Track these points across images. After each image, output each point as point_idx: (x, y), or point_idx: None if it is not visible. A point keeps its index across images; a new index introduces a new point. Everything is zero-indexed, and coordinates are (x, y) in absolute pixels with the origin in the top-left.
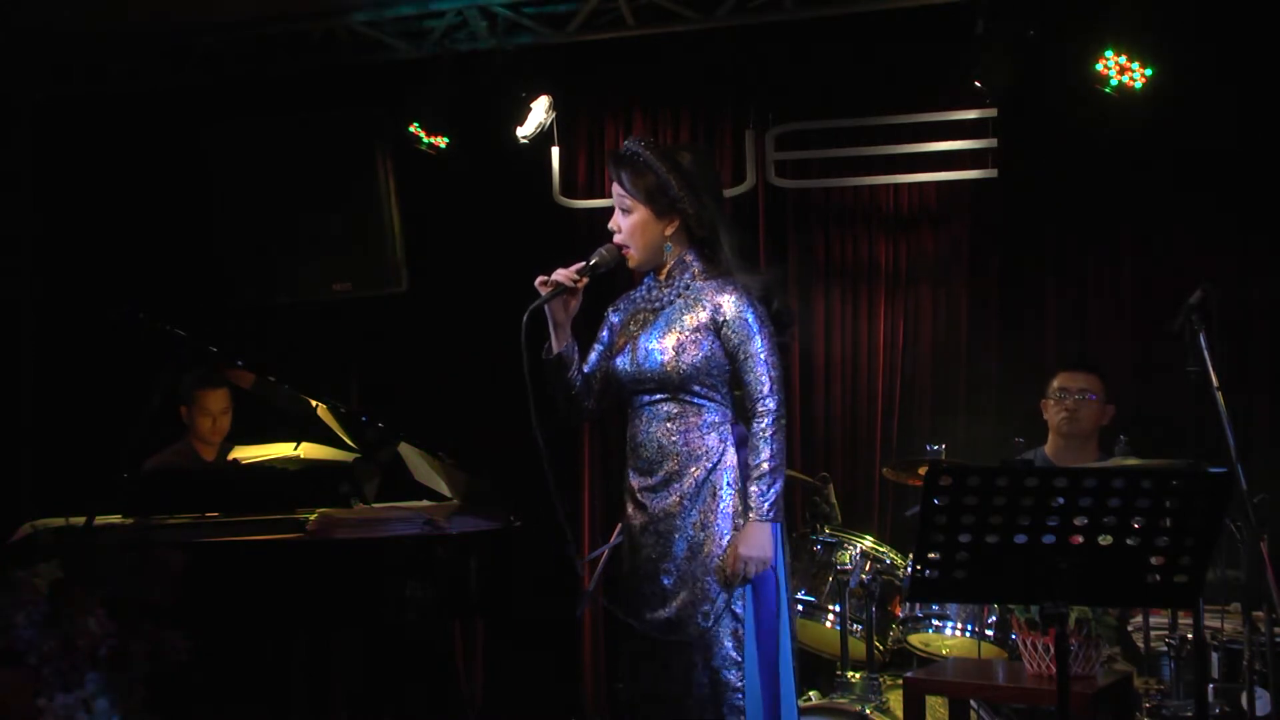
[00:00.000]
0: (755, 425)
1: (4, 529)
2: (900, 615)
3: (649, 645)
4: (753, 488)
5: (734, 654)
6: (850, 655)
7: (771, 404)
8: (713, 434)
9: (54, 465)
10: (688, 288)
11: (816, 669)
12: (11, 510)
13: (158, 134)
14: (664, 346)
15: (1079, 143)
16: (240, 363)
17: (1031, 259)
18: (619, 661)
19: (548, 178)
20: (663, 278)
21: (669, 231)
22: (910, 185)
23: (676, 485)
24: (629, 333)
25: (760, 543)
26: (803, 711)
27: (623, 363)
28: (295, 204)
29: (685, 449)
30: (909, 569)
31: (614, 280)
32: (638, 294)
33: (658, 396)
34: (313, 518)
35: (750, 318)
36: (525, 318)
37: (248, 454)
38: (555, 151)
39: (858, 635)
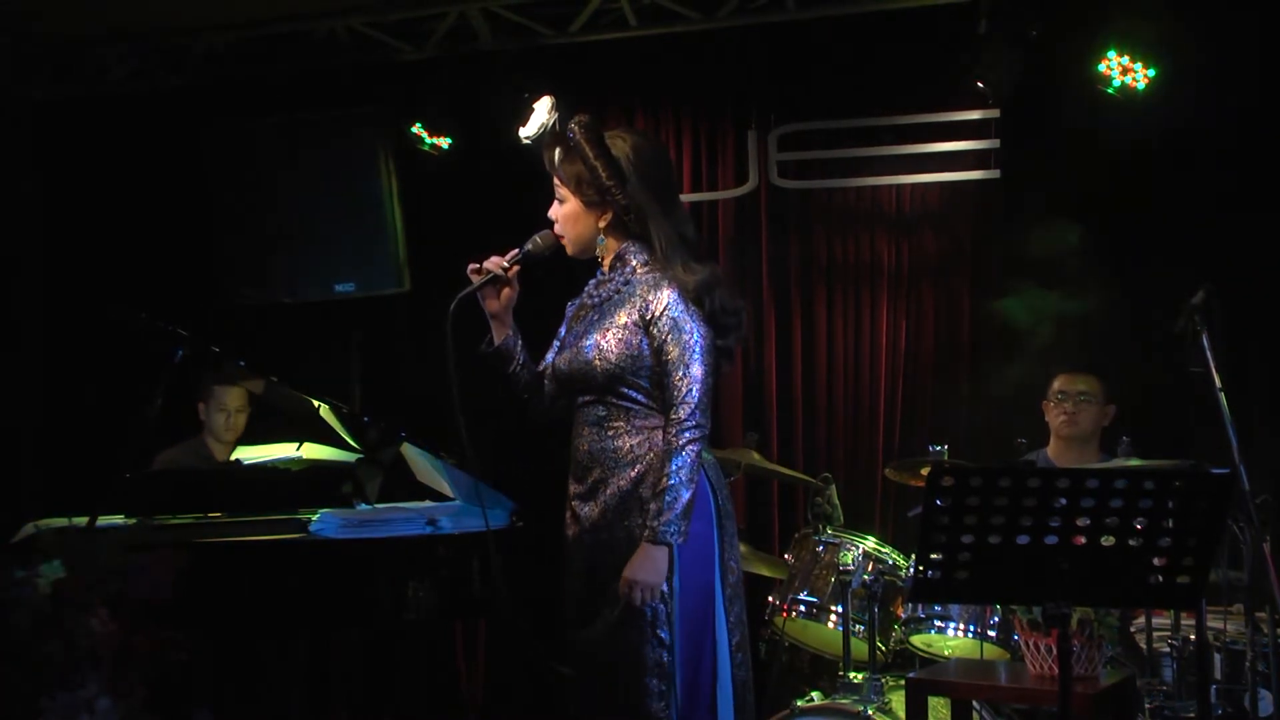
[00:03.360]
0: (666, 434)
1: (6, 529)
2: (902, 616)
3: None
4: (651, 504)
5: (660, 684)
6: (852, 656)
7: (684, 412)
8: (640, 440)
9: (56, 465)
10: (627, 282)
11: (819, 670)
12: (14, 510)
13: (160, 134)
14: (591, 344)
15: (1081, 143)
16: (242, 363)
17: (1033, 259)
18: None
19: (549, 178)
20: (607, 271)
21: (602, 224)
22: (913, 186)
23: (603, 494)
24: (569, 330)
25: (650, 567)
26: (805, 712)
27: (559, 362)
28: (298, 204)
29: (612, 455)
30: (911, 570)
31: (580, 273)
32: (587, 288)
33: (589, 398)
34: (315, 518)
35: (680, 316)
36: (452, 307)
37: (250, 454)
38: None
39: (860, 636)
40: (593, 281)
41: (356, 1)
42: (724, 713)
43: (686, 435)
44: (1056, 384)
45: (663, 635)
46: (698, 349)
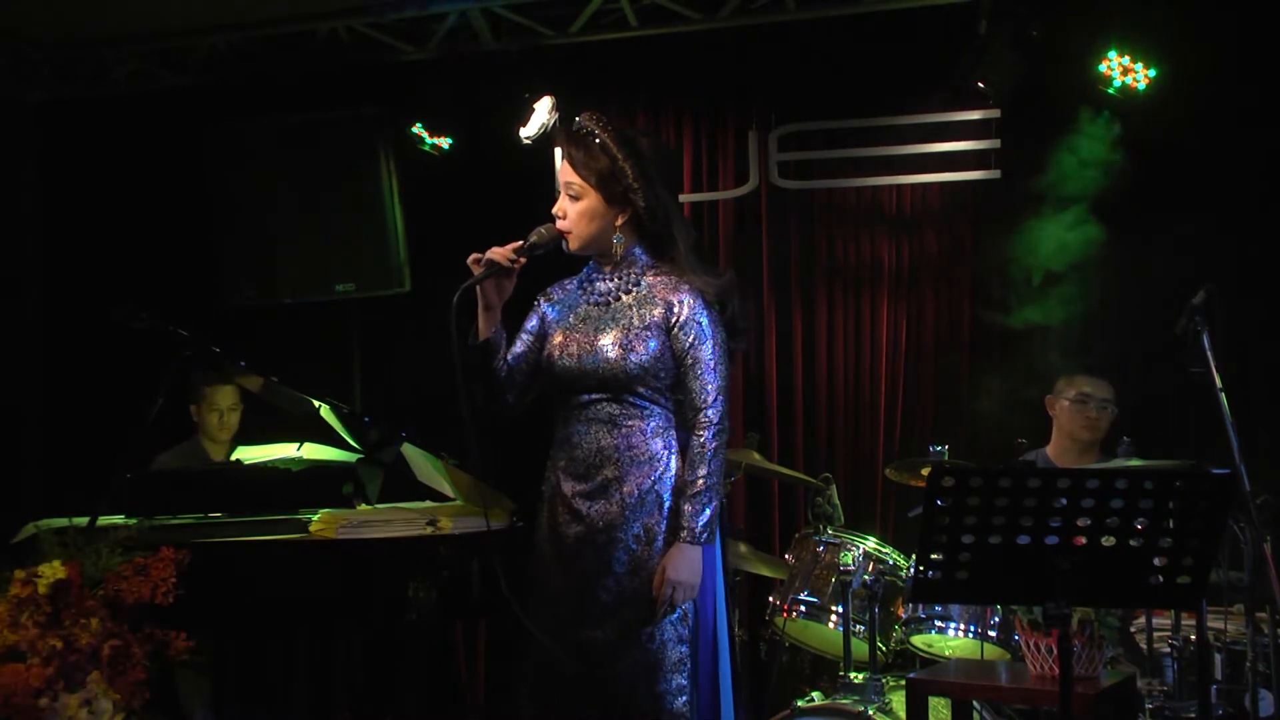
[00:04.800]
0: (695, 437)
1: (7, 529)
2: (903, 616)
3: (572, 665)
4: (686, 506)
5: (682, 680)
6: (853, 656)
7: (714, 415)
8: (657, 439)
9: (58, 465)
10: (637, 283)
11: (819, 670)
12: (15, 510)
13: (161, 135)
14: (612, 343)
15: (1082, 144)
16: (243, 363)
17: (1033, 259)
18: (521, 679)
19: (550, 178)
20: (608, 270)
21: (619, 222)
22: (913, 186)
23: (617, 493)
24: (570, 326)
25: (690, 567)
26: (805, 712)
27: (563, 358)
28: (299, 205)
29: (628, 454)
30: (911, 570)
31: (551, 267)
32: (572, 284)
33: (598, 396)
34: (316, 518)
35: (704, 321)
36: (455, 298)
37: (251, 455)
38: (558, 152)
39: (860, 636)
40: (579, 279)
41: (357, 2)
42: (725, 709)
43: (717, 440)
44: (1081, 387)
45: (684, 632)
46: (720, 353)
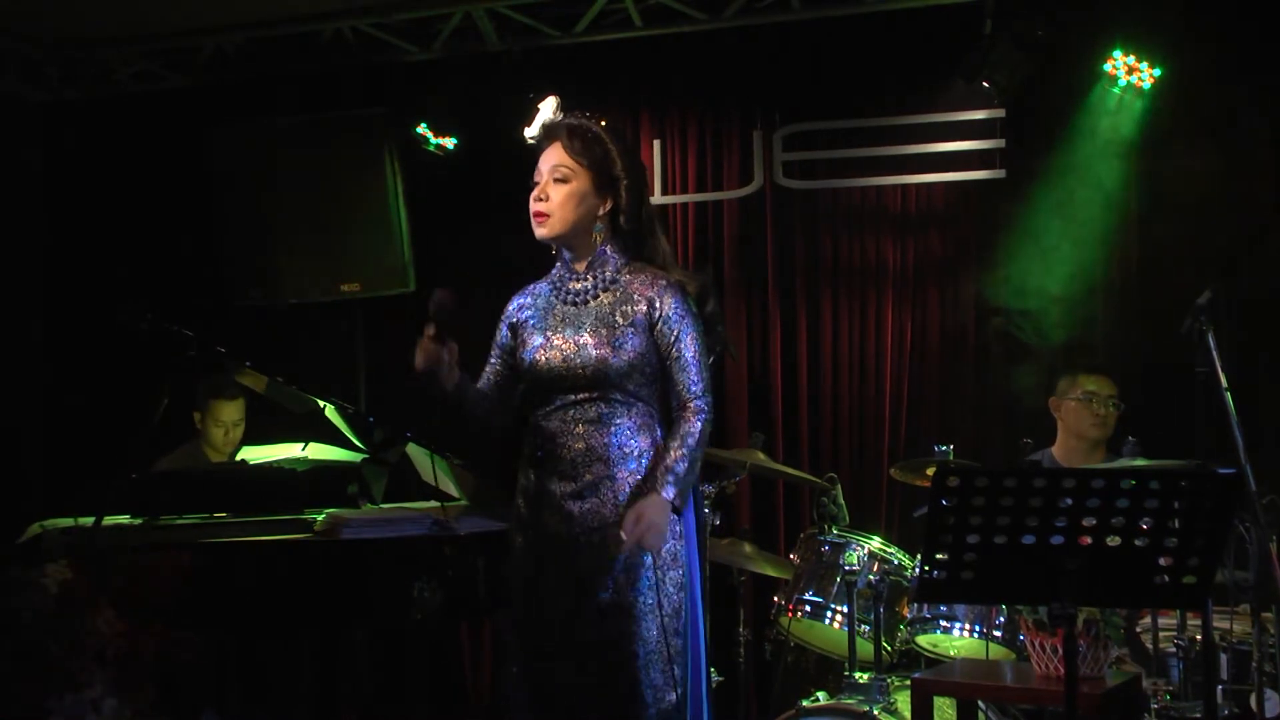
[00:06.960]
0: (684, 421)
1: (13, 529)
2: (908, 616)
3: (565, 669)
4: (662, 465)
5: (679, 671)
6: (858, 656)
7: (705, 404)
8: (644, 435)
9: (63, 465)
10: (614, 281)
11: (824, 670)
12: (20, 510)
13: (166, 135)
14: (595, 342)
15: (1086, 143)
16: (249, 364)
17: (1038, 259)
18: (503, 685)
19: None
20: (581, 269)
21: (602, 211)
22: (918, 186)
23: (609, 491)
24: (548, 327)
25: (663, 514)
26: (811, 712)
27: (546, 360)
28: (303, 205)
29: (618, 451)
30: (917, 570)
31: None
32: (541, 286)
33: (583, 396)
34: (321, 519)
35: (687, 316)
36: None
37: (256, 455)
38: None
39: (865, 636)
40: (548, 282)
41: (362, 2)
42: (705, 708)
43: (705, 427)
44: (1086, 385)
45: (680, 626)
46: (702, 347)
